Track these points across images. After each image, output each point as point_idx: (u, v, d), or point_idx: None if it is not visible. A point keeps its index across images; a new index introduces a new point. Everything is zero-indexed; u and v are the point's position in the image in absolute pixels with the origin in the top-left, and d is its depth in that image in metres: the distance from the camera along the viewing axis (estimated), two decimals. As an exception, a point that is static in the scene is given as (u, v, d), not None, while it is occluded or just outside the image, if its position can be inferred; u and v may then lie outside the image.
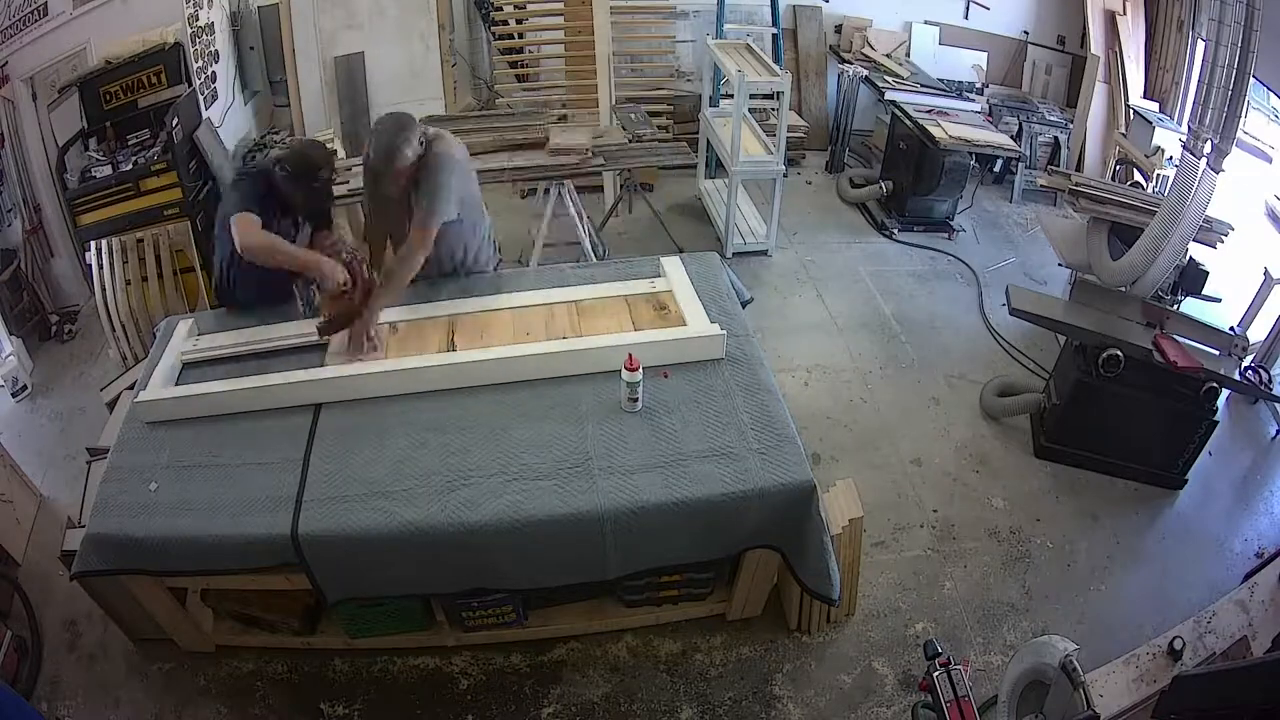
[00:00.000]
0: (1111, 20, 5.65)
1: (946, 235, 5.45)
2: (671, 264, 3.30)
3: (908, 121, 5.40)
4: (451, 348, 2.97)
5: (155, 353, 3.08)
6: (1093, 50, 5.66)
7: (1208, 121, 3.35)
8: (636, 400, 2.70)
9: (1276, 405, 3.99)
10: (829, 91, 6.43)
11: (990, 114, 5.88)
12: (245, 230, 2.78)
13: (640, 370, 2.64)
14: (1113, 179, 5.35)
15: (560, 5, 5.63)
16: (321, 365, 2.90)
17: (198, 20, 4.67)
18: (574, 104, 5.60)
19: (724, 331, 2.93)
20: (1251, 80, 3.27)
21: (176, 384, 2.90)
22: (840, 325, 4.64)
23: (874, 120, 6.33)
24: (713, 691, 2.87)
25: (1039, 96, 6.30)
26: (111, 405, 3.49)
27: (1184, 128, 4.40)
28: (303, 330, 3.06)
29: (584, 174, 4.51)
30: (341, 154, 4.71)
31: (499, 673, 2.93)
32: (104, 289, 3.96)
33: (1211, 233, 3.80)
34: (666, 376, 2.84)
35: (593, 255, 4.71)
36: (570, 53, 5.69)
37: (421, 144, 2.86)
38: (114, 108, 4.47)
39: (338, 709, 2.83)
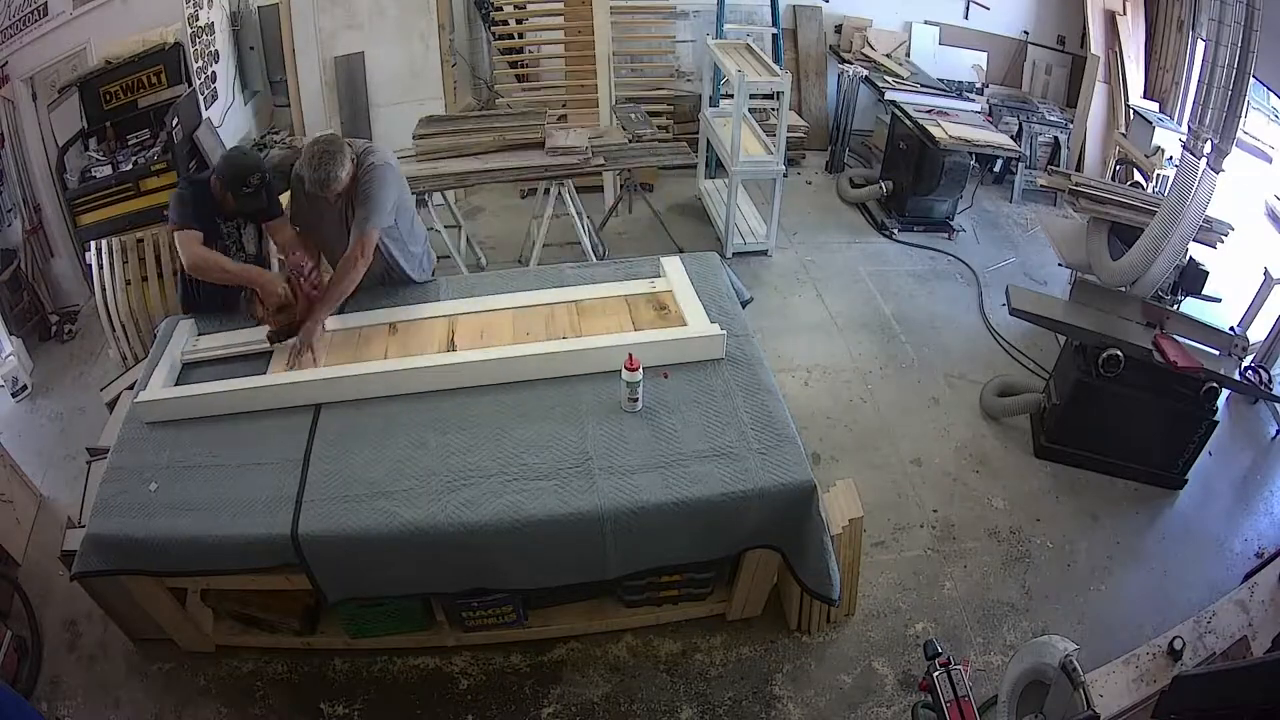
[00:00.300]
0: (1111, 20, 5.65)
1: (946, 235, 5.45)
2: (671, 264, 3.30)
3: (908, 121, 5.40)
4: (451, 348, 2.97)
5: (155, 353, 3.08)
6: (1093, 50, 5.67)
7: (1208, 121, 3.35)
8: (637, 400, 2.70)
9: (1276, 405, 3.99)
10: (829, 91, 6.43)
11: (990, 114, 5.88)
12: (187, 247, 2.89)
13: (640, 370, 2.64)
14: (1113, 179, 5.35)
15: (560, 5, 5.63)
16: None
17: (198, 20, 4.67)
18: (574, 104, 5.60)
19: (724, 331, 2.93)
20: (1251, 80, 3.27)
21: (176, 384, 2.90)
22: (840, 325, 4.64)
23: (874, 120, 6.33)
24: (713, 691, 2.87)
25: (1039, 96, 6.30)
26: (111, 405, 3.49)
27: (1184, 128, 4.40)
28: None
29: (584, 174, 4.51)
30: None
31: (499, 673, 2.93)
32: (104, 289, 3.96)
33: (1211, 233, 3.80)
34: (666, 377, 2.84)
35: (593, 255, 4.72)
36: (570, 53, 5.69)
37: (354, 160, 2.91)
38: (114, 108, 4.48)
39: (338, 709, 2.82)
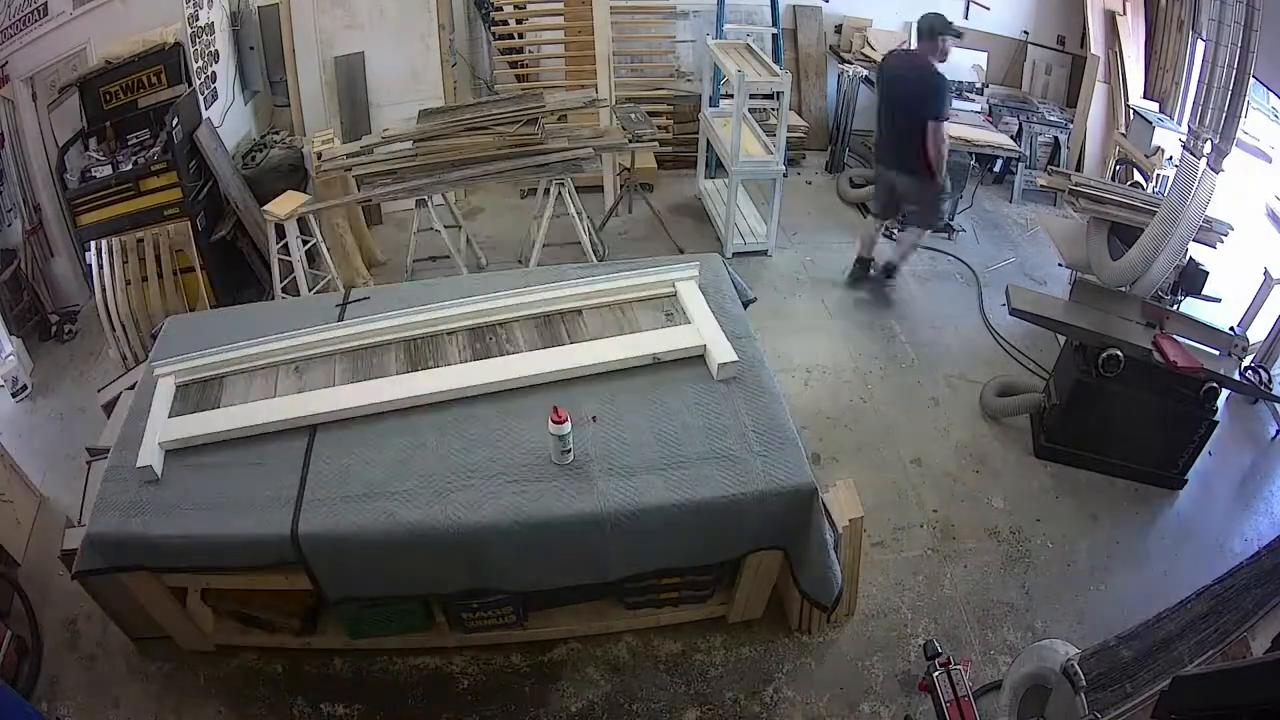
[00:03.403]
0: (1111, 20, 5.64)
1: (946, 235, 5.44)
2: (687, 289, 3.12)
3: (908, 121, 5.38)
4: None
5: (140, 400, 2.87)
6: (1093, 50, 5.66)
7: (1208, 121, 3.35)
8: (569, 453, 2.56)
9: (1276, 405, 3.99)
10: (829, 91, 6.42)
11: (990, 114, 5.88)
12: None
13: (568, 423, 2.50)
14: (1113, 179, 5.35)
15: (560, 5, 5.63)
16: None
17: (198, 20, 4.66)
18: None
19: (738, 359, 2.82)
20: (1251, 80, 3.26)
21: (170, 416, 2.74)
22: (840, 325, 4.64)
23: (874, 120, 6.32)
24: (713, 691, 2.87)
25: (1039, 96, 6.29)
26: (108, 408, 3.48)
27: (1184, 128, 4.40)
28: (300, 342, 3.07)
29: (578, 159, 4.41)
30: (337, 142, 4.69)
31: (499, 673, 2.93)
32: (104, 289, 3.96)
33: (1211, 233, 3.80)
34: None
35: (593, 255, 4.71)
36: (570, 53, 5.69)
37: None
38: (114, 108, 4.46)
39: (338, 709, 2.82)
